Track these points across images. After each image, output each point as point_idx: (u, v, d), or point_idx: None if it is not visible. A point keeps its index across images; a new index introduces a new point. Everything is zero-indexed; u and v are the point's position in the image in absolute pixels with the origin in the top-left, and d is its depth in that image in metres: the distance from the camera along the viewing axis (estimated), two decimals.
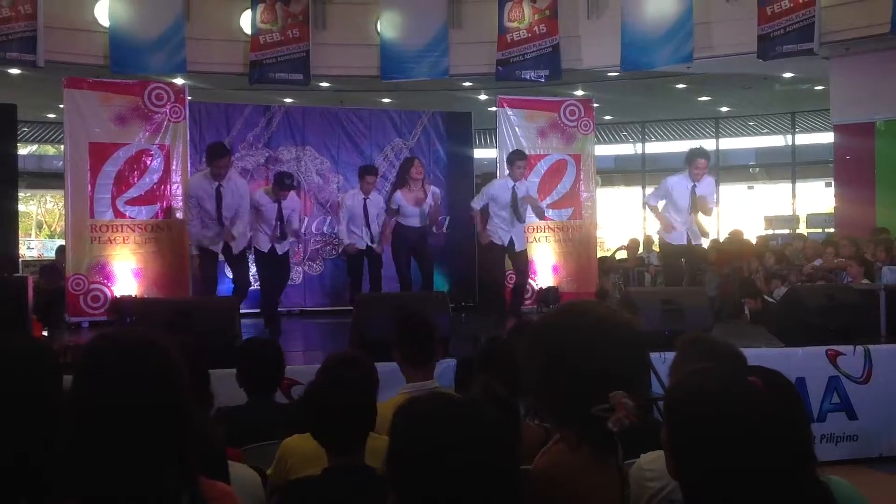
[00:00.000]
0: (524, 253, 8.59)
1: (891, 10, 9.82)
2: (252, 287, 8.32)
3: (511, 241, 8.34)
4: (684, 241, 8.31)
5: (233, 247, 7.79)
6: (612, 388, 1.60)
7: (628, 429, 1.58)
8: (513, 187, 8.34)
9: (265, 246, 8.11)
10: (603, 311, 1.79)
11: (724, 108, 17.18)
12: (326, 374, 2.72)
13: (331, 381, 2.59)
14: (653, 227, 18.17)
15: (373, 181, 8.80)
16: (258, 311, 8.42)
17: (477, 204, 8.48)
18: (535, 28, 11.98)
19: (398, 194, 8.54)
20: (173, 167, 9.11)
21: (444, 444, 1.37)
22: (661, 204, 8.40)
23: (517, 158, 8.46)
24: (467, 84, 13.53)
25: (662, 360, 2.72)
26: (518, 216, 8.33)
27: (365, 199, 8.61)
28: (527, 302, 9.15)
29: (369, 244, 8.58)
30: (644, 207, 18.93)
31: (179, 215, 9.00)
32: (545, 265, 10.18)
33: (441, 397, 1.54)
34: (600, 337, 1.70)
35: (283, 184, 8.07)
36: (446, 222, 10.72)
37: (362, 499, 2.26)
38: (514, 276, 8.71)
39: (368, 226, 8.56)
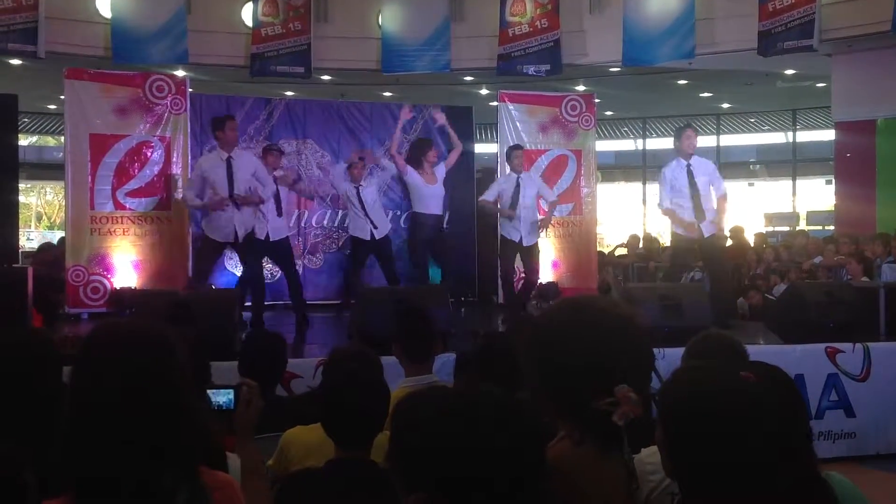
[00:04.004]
0: (533, 248, 8.44)
1: (892, 8, 9.80)
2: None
3: (521, 238, 8.29)
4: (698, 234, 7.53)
5: (239, 233, 7.37)
6: (613, 383, 1.59)
7: (632, 422, 1.58)
8: (517, 179, 8.34)
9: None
10: (604, 306, 1.76)
11: (726, 105, 17.16)
12: (344, 369, 2.69)
13: (354, 376, 2.56)
14: (653, 224, 18.28)
15: (361, 166, 8.60)
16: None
17: (490, 196, 8.42)
18: (537, 23, 11.95)
19: (411, 170, 8.42)
20: (174, 159, 9.10)
21: (475, 437, 1.34)
22: (668, 201, 7.58)
23: (514, 149, 8.59)
24: (468, 78, 13.51)
25: (662, 356, 2.73)
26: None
27: (357, 188, 8.43)
28: None
29: (374, 235, 8.39)
30: (644, 205, 19.01)
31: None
32: (545, 260, 10.13)
33: (452, 391, 1.54)
34: (601, 331, 1.67)
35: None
36: (446, 217, 10.70)
37: (365, 493, 2.26)
38: (523, 271, 8.64)
39: (368, 216, 8.39)
